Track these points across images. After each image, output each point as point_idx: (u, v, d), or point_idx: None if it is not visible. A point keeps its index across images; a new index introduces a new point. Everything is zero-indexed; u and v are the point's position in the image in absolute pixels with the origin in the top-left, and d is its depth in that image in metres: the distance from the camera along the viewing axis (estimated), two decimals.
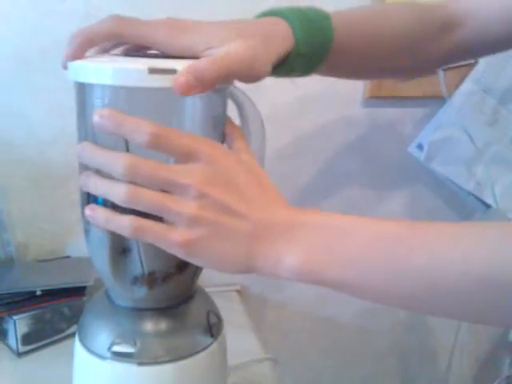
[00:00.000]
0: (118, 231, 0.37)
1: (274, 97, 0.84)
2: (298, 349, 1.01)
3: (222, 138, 0.44)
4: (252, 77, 0.42)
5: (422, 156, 0.88)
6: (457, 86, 0.86)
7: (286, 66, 0.46)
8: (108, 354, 0.44)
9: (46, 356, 0.69)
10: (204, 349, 0.47)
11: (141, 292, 0.45)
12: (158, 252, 0.42)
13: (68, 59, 0.40)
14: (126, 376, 0.44)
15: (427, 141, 0.87)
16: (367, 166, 0.92)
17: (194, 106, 0.41)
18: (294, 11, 0.46)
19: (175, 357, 0.45)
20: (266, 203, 0.39)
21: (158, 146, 0.36)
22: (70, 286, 0.71)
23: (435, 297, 0.35)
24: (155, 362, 0.44)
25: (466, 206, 0.95)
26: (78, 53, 0.40)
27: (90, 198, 0.43)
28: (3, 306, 0.67)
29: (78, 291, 0.72)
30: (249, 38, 0.41)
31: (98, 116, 0.36)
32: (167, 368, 0.44)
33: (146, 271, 0.43)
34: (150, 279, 0.44)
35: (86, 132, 0.41)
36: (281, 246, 0.38)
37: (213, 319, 0.49)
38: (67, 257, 0.83)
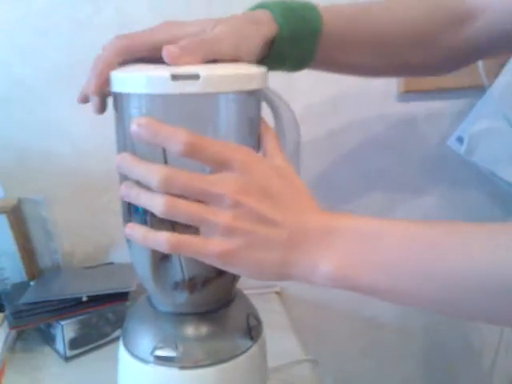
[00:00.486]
0: (156, 248, 0.38)
1: (307, 97, 0.83)
2: (337, 349, 1.00)
3: (258, 142, 0.44)
4: (240, 57, 0.43)
5: (462, 149, 0.86)
6: (496, 75, 0.83)
7: (276, 55, 0.48)
8: (151, 358, 0.45)
9: (92, 360, 0.71)
10: (244, 352, 0.47)
11: (182, 297, 0.46)
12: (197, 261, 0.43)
13: (94, 94, 0.42)
14: (168, 380, 0.45)
15: (467, 133, 0.85)
16: (404, 162, 0.90)
17: (229, 110, 0.41)
18: (277, 3, 0.48)
19: (216, 360, 0.45)
20: (300, 209, 0.39)
21: (193, 154, 0.36)
22: (114, 291, 0.72)
23: (468, 300, 0.34)
24: (196, 365, 0.45)
25: (511, 200, 0.92)
26: (101, 82, 0.42)
27: (130, 208, 0.44)
28: (51, 312, 0.69)
29: (122, 296, 0.73)
30: (235, 22, 0.44)
31: (136, 125, 0.37)
32: (208, 372, 0.45)
33: (187, 276, 0.44)
34: (191, 284, 0.45)
35: (125, 142, 0.42)
36: (316, 253, 0.38)
37: (252, 322, 0.49)
38: (110, 263, 0.85)
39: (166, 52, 0.39)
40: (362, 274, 0.37)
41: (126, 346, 0.48)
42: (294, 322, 0.81)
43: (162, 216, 0.37)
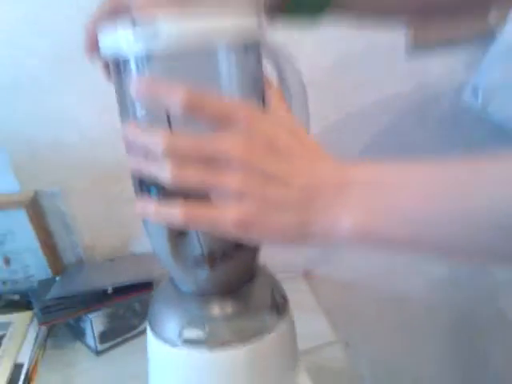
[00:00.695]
0: (170, 222, 0.37)
1: (313, 60, 0.79)
2: (368, 330, 0.98)
3: (263, 103, 0.42)
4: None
5: (478, 102, 0.82)
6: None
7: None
8: (179, 341, 0.45)
9: (123, 353, 0.71)
10: (272, 329, 0.46)
11: (203, 274, 0.45)
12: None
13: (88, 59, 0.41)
14: (198, 361, 0.45)
15: (482, 85, 0.81)
16: (418, 121, 0.87)
17: (230, 68, 0.39)
18: None
19: (243, 339, 0.44)
20: (312, 164, 0.37)
21: (194, 111, 0.35)
22: (139, 281, 0.72)
23: (497, 239, 0.32)
24: (225, 345, 0.44)
25: None
26: (91, 45, 0.41)
27: (142, 187, 0.43)
28: (78, 306, 0.70)
29: (146, 286, 0.73)
30: None
31: (134, 84, 0.36)
32: (238, 352, 0.44)
33: (206, 251, 0.43)
34: (210, 259, 0.44)
35: (127, 114, 0.41)
36: (333, 209, 0.36)
37: (278, 298, 0.49)
38: (132, 254, 0.85)
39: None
40: (385, 226, 0.35)
41: (153, 329, 0.47)
42: (321, 304, 0.80)
43: (170, 185, 0.36)
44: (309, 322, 0.73)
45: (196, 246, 0.43)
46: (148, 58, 0.37)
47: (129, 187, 0.80)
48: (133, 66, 0.38)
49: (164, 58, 0.37)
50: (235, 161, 0.35)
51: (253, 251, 0.47)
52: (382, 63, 0.84)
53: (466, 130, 0.89)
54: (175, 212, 0.36)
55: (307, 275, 0.91)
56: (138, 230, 0.84)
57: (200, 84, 0.36)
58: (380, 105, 0.86)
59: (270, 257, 0.51)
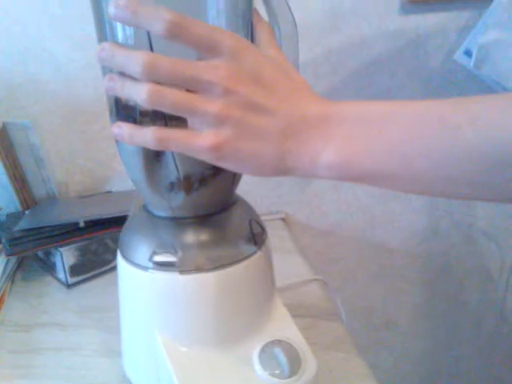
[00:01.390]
0: (144, 145, 0.36)
1: (304, 12, 0.78)
2: (346, 276, 0.99)
3: (251, 36, 0.41)
4: None
5: (470, 63, 0.81)
6: None
7: None
8: (150, 265, 0.43)
9: (95, 286, 0.70)
10: (247, 257, 0.45)
11: (178, 199, 0.43)
12: (191, 158, 0.40)
13: None
14: (169, 285, 0.43)
15: (476, 45, 0.80)
16: (409, 79, 0.86)
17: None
18: None
19: (217, 265, 0.43)
20: (296, 97, 0.36)
21: (177, 35, 0.32)
22: (112, 215, 0.70)
23: (489, 173, 0.32)
24: (197, 270, 0.43)
25: None
26: None
27: (118, 108, 0.41)
28: (48, 239, 0.68)
29: (120, 222, 0.71)
30: None
31: (113, 6, 0.33)
32: (210, 276, 0.43)
33: (182, 175, 0.41)
34: (187, 184, 0.42)
35: (105, 36, 0.39)
36: (315, 142, 0.35)
37: (256, 228, 0.47)
38: (108, 192, 0.83)
39: None
40: (368, 161, 0.34)
41: (123, 254, 0.46)
42: (301, 249, 0.80)
43: (146, 105, 0.34)
44: (287, 261, 0.74)
45: (172, 170, 0.41)
46: None
47: (107, 125, 0.78)
48: None
49: None
50: (218, 87, 0.33)
51: (231, 178, 0.45)
52: (374, 20, 0.82)
53: (458, 88, 0.88)
54: (149, 134, 0.35)
55: (286, 220, 0.90)
56: (115, 169, 0.82)
57: (185, 11, 0.34)
58: (371, 61, 0.84)
59: (251, 200, 0.50)
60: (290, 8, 0.44)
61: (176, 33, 0.32)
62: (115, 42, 0.38)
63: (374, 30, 0.83)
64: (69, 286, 0.69)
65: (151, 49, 0.36)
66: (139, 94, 0.34)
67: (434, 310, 1.07)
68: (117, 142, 0.44)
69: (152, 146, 0.35)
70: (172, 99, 0.33)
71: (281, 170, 0.36)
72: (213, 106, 0.33)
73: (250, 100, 0.34)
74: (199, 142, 0.34)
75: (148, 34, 0.36)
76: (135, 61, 0.33)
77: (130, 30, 0.37)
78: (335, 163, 0.34)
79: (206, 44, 0.33)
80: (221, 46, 0.34)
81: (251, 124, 0.34)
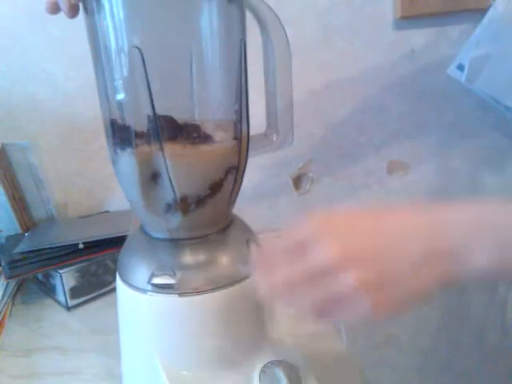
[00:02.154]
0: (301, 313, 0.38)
1: (297, 28, 0.79)
2: None
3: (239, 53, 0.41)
4: None
5: (463, 77, 0.82)
6: None
7: None
8: (148, 287, 0.43)
9: (95, 309, 0.69)
10: (246, 277, 0.45)
11: (175, 220, 0.43)
12: (188, 174, 0.41)
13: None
14: (168, 307, 0.44)
15: (468, 59, 0.81)
16: (404, 94, 0.87)
17: (212, 17, 0.38)
18: None
19: (215, 286, 0.43)
20: (394, 222, 0.37)
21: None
22: (111, 236, 0.70)
23: None
24: (195, 291, 0.43)
25: None
26: None
27: (113, 131, 0.42)
28: (48, 261, 0.68)
29: (119, 243, 0.71)
30: None
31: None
32: (208, 297, 0.43)
33: (178, 196, 0.42)
34: (183, 205, 0.42)
35: (99, 53, 0.39)
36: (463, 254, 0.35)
37: (253, 248, 0.47)
38: (106, 211, 0.83)
39: None
40: None
41: (122, 277, 0.46)
42: None
43: (313, 316, 0.36)
44: None
45: (168, 192, 0.42)
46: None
47: (105, 145, 0.78)
48: (107, 5, 0.36)
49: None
50: (340, 267, 0.34)
51: (227, 199, 0.46)
52: (367, 35, 0.83)
53: (452, 102, 0.89)
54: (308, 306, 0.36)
55: None
56: (112, 189, 0.82)
57: (181, 29, 0.35)
58: (364, 76, 0.85)
59: (247, 219, 0.50)
60: (283, 27, 0.45)
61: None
62: (110, 63, 0.38)
63: (368, 45, 0.83)
64: (69, 308, 0.69)
65: (145, 72, 0.37)
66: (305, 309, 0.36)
67: (435, 325, 1.06)
68: (113, 163, 0.44)
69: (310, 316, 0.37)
70: (313, 300, 0.35)
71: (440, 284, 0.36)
72: (346, 283, 0.34)
73: (371, 253, 0.35)
74: (359, 311, 0.35)
75: (142, 55, 0.37)
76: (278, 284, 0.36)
77: (123, 54, 0.38)
78: (488, 267, 0.35)
79: (304, 243, 0.36)
80: (315, 236, 0.35)
81: (389, 271, 0.35)
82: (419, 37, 0.84)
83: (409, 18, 0.82)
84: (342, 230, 0.36)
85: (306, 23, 0.80)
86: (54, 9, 0.39)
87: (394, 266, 0.35)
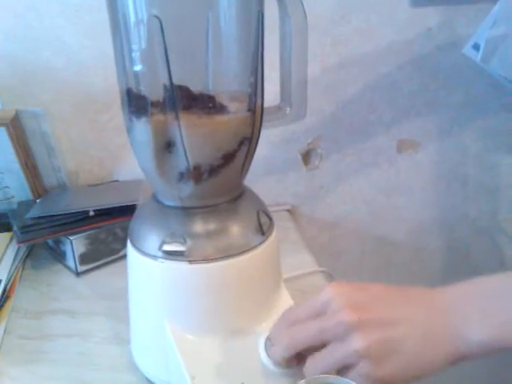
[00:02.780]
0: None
1: (313, 3, 0.78)
2: (350, 269, 1.00)
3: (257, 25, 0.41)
4: None
5: (478, 56, 0.81)
6: None
7: None
8: (159, 254, 0.44)
9: (104, 274, 0.71)
10: (255, 247, 0.46)
11: (187, 188, 0.44)
12: (202, 144, 0.41)
13: None
14: (178, 274, 0.44)
15: (484, 39, 0.80)
16: (417, 72, 0.86)
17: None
18: None
19: (225, 254, 0.44)
20: (418, 297, 0.40)
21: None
22: (121, 204, 0.71)
23: None
24: (205, 259, 0.44)
25: None
26: None
27: (129, 100, 0.42)
28: (59, 227, 0.69)
29: (129, 211, 0.72)
30: None
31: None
32: (218, 266, 0.44)
33: (191, 165, 0.42)
34: (196, 174, 0.43)
35: (120, 31, 0.39)
36: (457, 330, 0.38)
37: (263, 218, 0.48)
38: (116, 181, 0.84)
39: None
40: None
41: (133, 243, 0.47)
42: (306, 240, 0.80)
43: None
44: (293, 253, 0.74)
45: (182, 161, 0.42)
46: None
47: (117, 116, 0.79)
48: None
49: None
50: (348, 324, 0.37)
51: (239, 169, 0.46)
52: (384, 12, 0.82)
53: (466, 82, 0.88)
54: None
55: (292, 212, 0.91)
56: (125, 159, 0.83)
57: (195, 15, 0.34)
58: (378, 53, 0.84)
59: (257, 191, 0.51)
60: (301, 1, 0.45)
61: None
62: (128, 33, 0.38)
63: (383, 22, 0.82)
64: (78, 274, 0.70)
65: (164, 42, 0.37)
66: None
67: None
68: (128, 131, 0.45)
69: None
70: (326, 364, 0.38)
71: (445, 363, 0.38)
72: (356, 343, 0.37)
73: (379, 318, 0.38)
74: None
75: (160, 25, 0.37)
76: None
77: (142, 24, 0.38)
78: (485, 342, 0.37)
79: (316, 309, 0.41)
80: (325, 301, 0.40)
81: (393, 339, 0.37)
82: (436, 15, 0.83)
83: None
84: (358, 301, 0.39)
85: (320, 1, 0.79)
86: None
87: (402, 335, 0.37)
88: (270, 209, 0.51)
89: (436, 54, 0.86)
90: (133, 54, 0.40)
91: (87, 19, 0.74)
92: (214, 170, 0.43)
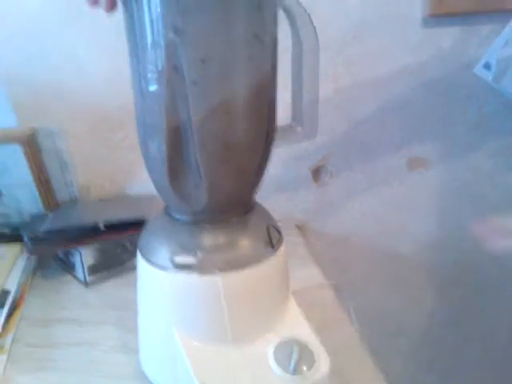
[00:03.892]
0: None
1: (326, 24, 0.80)
2: (359, 284, 0.99)
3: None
4: None
5: (489, 76, 0.82)
6: None
7: None
8: (170, 265, 0.44)
9: (112, 286, 0.71)
10: (264, 260, 0.46)
11: (200, 204, 0.44)
12: (216, 160, 0.41)
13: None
14: (188, 285, 0.44)
15: (495, 59, 0.81)
16: (429, 92, 0.87)
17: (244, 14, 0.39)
18: None
19: (234, 267, 0.44)
20: None
21: None
22: (131, 219, 0.71)
23: None
24: (215, 271, 0.44)
25: None
26: None
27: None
28: (70, 240, 0.69)
29: (138, 226, 0.72)
30: None
31: None
32: (227, 277, 0.44)
33: (205, 180, 0.42)
34: (209, 189, 0.43)
35: (136, 49, 0.40)
36: None
37: (273, 233, 0.48)
38: (126, 196, 0.84)
39: None
40: None
41: (143, 254, 0.47)
42: (313, 255, 0.80)
43: None
44: (301, 268, 0.74)
45: (196, 176, 0.43)
46: None
47: (130, 134, 0.80)
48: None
49: None
50: None
51: (251, 184, 0.46)
52: (396, 33, 0.82)
53: (478, 102, 0.88)
54: None
55: (301, 226, 0.91)
56: (136, 174, 0.83)
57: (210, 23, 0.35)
58: (391, 74, 0.85)
59: (267, 206, 0.51)
60: (312, 23, 0.45)
61: None
62: (145, 51, 0.39)
63: (396, 43, 0.83)
64: (87, 284, 0.70)
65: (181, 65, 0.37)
66: None
67: (447, 319, 1.07)
68: (142, 148, 0.45)
69: None
70: None
71: None
72: None
73: None
74: None
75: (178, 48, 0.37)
76: None
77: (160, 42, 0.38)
78: None
79: None
80: None
81: None
82: (447, 35, 0.84)
83: (437, 16, 0.82)
84: None
85: (335, 19, 0.80)
86: (94, 2, 0.40)
87: None
88: (280, 224, 0.51)
89: (448, 74, 0.86)
90: (149, 75, 0.40)
91: (103, 41, 0.76)
92: (226, 186, 0.44)
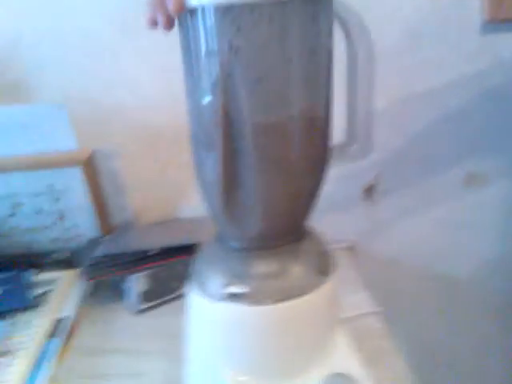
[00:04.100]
0: None
1: (380, 34, 0.77)
2: (410, 308, 0.95)
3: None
4: None
5: None
6: None
7: None
8: (222, 296, 0.43)
9: (163, 313, 0.70)
10: (315, 289, 0.44)
11: (253, 229, 0.43)
12: (272, 183, 0.40)
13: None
14: (240, 316, 0.43)
15: None
16: (488, 103, 0.82)
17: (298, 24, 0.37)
18: None
19: (287, 296, 0.43)
20: None
21: None
22: (183, 244, 0.71)
23: None
24: (268, 301, 0.42)
25: None
26: None
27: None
28: (121, 266, 0.70)
29: (191, 250, 0.72)
30: None
31: None
32: (280, 307, 0.43)
33: (259, 206, 0.41)
34: (262, 214, 0.42)
35: (192, 71, 0.40)
36: None
37: (325, 260, 0.46)
38: (178, 218, 0.84)
39: None
40: None
41: (195, 284, 0.46)
42: (364, 278, 0.77)
43: None
44: (350, 293, 0.72)
45: (250, 199, 0.41)
46: (216, 10, 0.36)
47: (183, 152, 0.80)
48: (200, 17, 0.37)
49: (233, 10, 0.35)
50: None
51: (306, 207, 0.45)
52: (452, 41, 0.79)
53: None
54: None
55: (352, 249, 0.88)
56: (188, 196, 0.84)
57: (266, 40, 0.34)
58: (447, 83, 0.81)
59: (318, 227, 0.50)
60: (368, 32, 0.44)
61: None
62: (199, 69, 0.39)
63: (452, 52, 0.80)
64: (139, 311, 0.70)
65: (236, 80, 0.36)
66: None
67: (504, 347, 1.00)
68: (195, 168, 0.44)
69: None
70: None
71: None
72: None
73: None
74: None
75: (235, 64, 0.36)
76: None
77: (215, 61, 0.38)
78: None
79: None
80: None
81: None
82: (506, 42, 0.79)
83: (495, 22, 0.77)
84: None
85: (390, 28, 0.77)
86: (154, 22, 0.40)
87: None
88: (330, 246, 0.49)
89: (508, 83, 0.81)
90: (204, 88, 0.39)
91: (158, 61, 0.76)
92: (280, 211, 0.42)
